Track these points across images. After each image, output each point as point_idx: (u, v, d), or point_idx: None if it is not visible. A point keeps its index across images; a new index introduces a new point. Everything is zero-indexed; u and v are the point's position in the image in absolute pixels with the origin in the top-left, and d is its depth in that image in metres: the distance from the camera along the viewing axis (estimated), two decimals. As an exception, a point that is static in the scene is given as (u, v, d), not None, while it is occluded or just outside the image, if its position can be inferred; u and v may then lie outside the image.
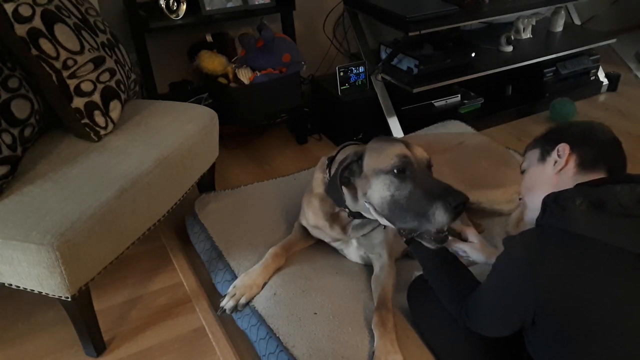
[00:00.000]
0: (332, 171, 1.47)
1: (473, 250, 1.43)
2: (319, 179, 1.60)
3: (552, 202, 1.06)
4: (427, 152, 1.41)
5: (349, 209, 1.48)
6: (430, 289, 1.33)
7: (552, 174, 1.16)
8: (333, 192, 1.43)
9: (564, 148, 1.16)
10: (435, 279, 1.33)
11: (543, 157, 1.21)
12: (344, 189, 1.41)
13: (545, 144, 1.22)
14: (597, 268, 0.98)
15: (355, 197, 1.42)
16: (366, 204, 1.38)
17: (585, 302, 0.97)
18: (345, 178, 1.40)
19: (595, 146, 1.15)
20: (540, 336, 1.05)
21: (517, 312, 1.06)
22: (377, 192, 1.33)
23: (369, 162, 1.37)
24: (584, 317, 0.97)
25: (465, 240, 1.46)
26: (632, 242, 0.97)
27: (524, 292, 1.02)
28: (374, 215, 1.39)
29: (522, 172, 1.30)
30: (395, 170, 1.30)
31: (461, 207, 1.21)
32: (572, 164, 1.15)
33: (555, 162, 1.16)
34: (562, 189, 1.08)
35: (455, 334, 1.28)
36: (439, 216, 1.21)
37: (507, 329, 1.11)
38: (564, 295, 0.98)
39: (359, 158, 1.39)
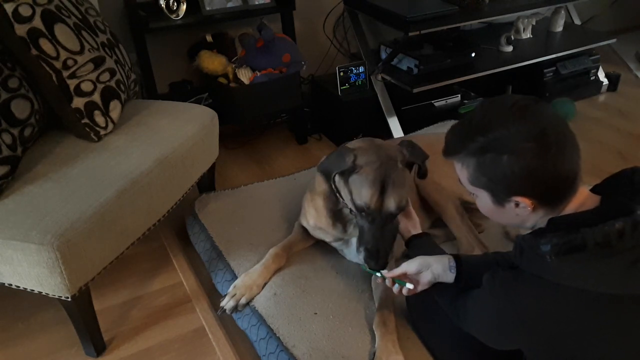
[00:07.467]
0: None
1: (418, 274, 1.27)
2: (321, 177, 1.60)
3: (528, 248, 0.95)
4: (427, 152, 1.42)
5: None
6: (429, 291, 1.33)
7: (516, 216, 1.02)
8: (327, 168, 1.47)
9: (522, 201, 0.97)
10: None
11: (499, 202, 1.01)
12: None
13: (493, 187, 0.99)
14: (583, 315, 0.94)
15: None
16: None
17: (572, 348, 0.97)
18: (336, 177, 1.45)
19: (556, 185, 0.95)
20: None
21: (505, 343, 1.08)
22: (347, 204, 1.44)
23: (349, 184, 1.39)
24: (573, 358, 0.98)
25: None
26: (617, 284, 0.91)
27: (509, 336, 1.05)
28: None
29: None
30: (357, 210, 1.39)
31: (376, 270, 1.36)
32: (539, 208, 0.98)
33: (517, 210, 0.99)
34: (533, 226, 1.02)
35: (455, 335, 1.27)
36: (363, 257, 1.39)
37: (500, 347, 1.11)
38: (551, 342, 0.98)
39: (352, 171, 1.38)
